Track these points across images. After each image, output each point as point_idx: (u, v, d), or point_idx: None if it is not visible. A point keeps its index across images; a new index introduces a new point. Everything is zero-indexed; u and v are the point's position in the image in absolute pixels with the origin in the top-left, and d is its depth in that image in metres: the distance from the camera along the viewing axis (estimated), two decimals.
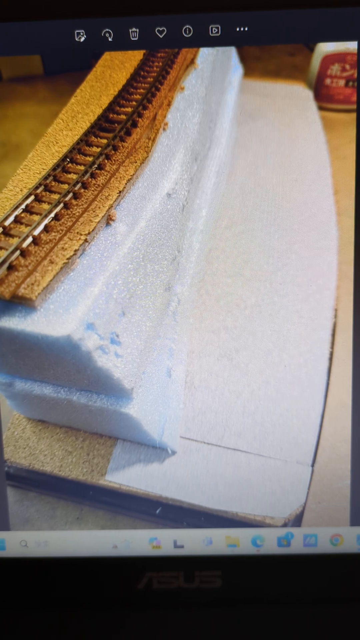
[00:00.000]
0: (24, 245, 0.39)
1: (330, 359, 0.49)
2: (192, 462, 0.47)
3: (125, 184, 0.43)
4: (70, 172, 0.43)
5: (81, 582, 0.45)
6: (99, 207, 0.42)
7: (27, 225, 0.40)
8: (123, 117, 0.46)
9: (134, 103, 0.47)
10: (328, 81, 0.51)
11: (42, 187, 0.42)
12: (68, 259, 0.39)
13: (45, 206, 0.41)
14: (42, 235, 0.39)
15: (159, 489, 0.46)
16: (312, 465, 0.46)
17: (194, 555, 0.45)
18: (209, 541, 0.45)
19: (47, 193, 0.42)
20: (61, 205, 0.41)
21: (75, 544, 0.46)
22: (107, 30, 0.40)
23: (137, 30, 0.40)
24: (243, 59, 0.48)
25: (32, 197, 0.41)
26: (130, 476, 0.47)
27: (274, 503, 0.46)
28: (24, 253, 0.38)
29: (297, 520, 0.46)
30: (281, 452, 0.47)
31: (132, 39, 0.40)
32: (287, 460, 0.46)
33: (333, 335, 0.50)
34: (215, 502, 0.46)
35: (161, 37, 0.40)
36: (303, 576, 0.45)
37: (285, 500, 0.46)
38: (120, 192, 0.43)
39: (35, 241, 0.39)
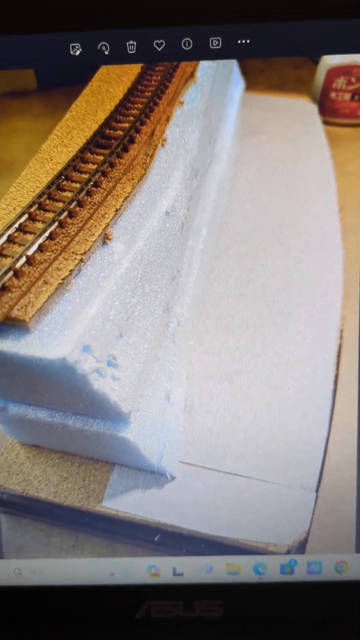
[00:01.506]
0: (18, 265, 0.38)
1: (336, 382, 0.48)
2: (192, 487, 0.46)
3: (123, 201, 0.42)
4: (65, 190, 0.42)
5: (77, 611, 0.44)
6: (95, 226, 0.41)
7: (20, 244, 0.39)
8: (120, 132, 0.45)
9: (132, 118, 0.46)
10: (333, 95, 0.50)
11: (36, 205, 0.41)
12: (63, 279, 0.38)
13: (40, 225, 0.40)
14: (36, 255, 0.38)
15: (157, 515, 0.45)
16: (317, 491, 0.45)
17: (193, 583, 0.44)
18: (209, 569, 0.44)
19: (41, 211, 0.41)
20: (56, 224, 0.40)
21: (71, 572, 0.45)
22: (103, 43, 0.39)
23: (135, 43, 0.39)
24: (245, 72, 0.47)
25: (26, 215, 0.40)
26: (128, 502, 0.46)
27: (277, 529, 0.44)
28: (17, 273, 0.37)
29: (301, 547, 0.44)
30: (284, 477, 0.45)
31: (130, 52, 0.39)
32: (291, 485, 0.45)
33: (338, 356, 0.49)
34: (215, 528, 0.45)
35: (159, 50, 0.39)
36: (307, 605, 0.44)
37: (289, 527, 0.44)
38: (117, 210, 0.42)
39: (29, 261, 0.38)
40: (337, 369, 0.48)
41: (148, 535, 0.45)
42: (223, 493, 0.45)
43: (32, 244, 0.39)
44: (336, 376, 0.48)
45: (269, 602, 0.44)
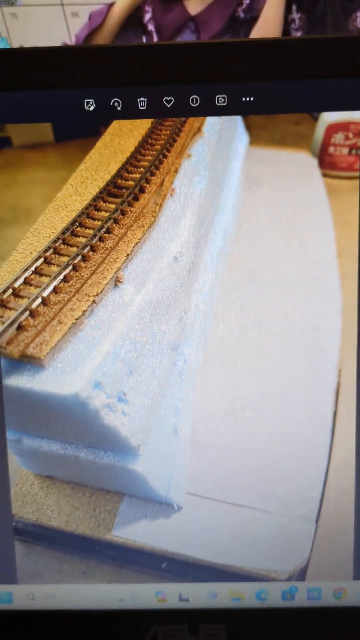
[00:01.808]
0: (33, 305, 0.36)
1: (334, 419, 0.46)
2: (197, 517, 0.43)
3: (133, 247, 0.41)
4: (79, 236, 0.41)
5: (88, 634, 0.42)
6: (107, 270, 0.39)
7: (36, 286, 0.37)
8: (131, 183, 0.44)
9: (142, 169, 0.45)
10: (332, 149, 0.49)
11: (52, 250, 0.40)
12: (76, 319, 0.36)
13: (54, 268, 0.39)
14: (51, 296, 0.37)
15: (164, 543, 0.43)
16: (317, 521, 0.43)
17: (199, 608, 0.42)
18: (213, 595, 0.42)
19: (56, 256, 0.39)
20: (70, 267, 0.38)
21: (81, 597, 0.42)
22: (115, 99, 0.37)
23: (145, 99, 0.37)
24: (249, 127, 0.46)
25: (42, 259, 0.39)
26: (137, 531, 0.43)
27: (279, 557, 0.42)
28: (33, 313, 0.36)
29: (302, 574, 0.42)
30: (286, 508, 0.43)
31: (141, 108, 0.37)
32: (292, 517, 0.43)
33: (337, 395, 0.47)
34: (220, 556, 0.42)
35: (169, 106, 0.37)
36: (307, 629, 0.41)
37: (290, 555, 0.42)
38: (128, 255, 0.40)
39: (45, 302, 0.37)
40: (336, 406, 0.46)
41: (155, 562, 0.43)
42: (227, 523, 0.43)
43: (48, 285, 0.37)
44: (334, 413, 0.46)
45: (270, 627, 0.41)
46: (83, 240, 0.40)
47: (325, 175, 0.51)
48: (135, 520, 0.44)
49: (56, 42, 0.86)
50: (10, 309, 0.37)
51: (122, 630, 0.42)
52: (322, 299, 0.50)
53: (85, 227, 0.41)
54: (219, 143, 0.51)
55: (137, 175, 0.45)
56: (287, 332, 0.50)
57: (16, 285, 0.38)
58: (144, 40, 0.87)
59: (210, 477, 0.45)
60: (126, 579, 0.43)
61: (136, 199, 0.43)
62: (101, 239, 0.41)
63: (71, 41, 0.87)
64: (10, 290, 0.37)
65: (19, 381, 0.35)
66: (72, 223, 0.42)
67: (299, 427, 0.46)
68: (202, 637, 0.41)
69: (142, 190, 0.44)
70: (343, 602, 0.41)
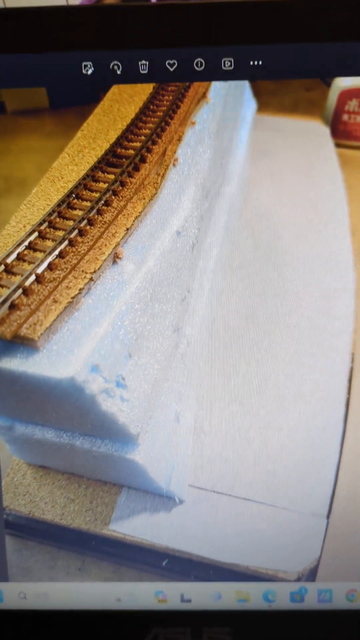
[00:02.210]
0: (27, 283, 0.37)
1: (347, 406, 0.47)
2: (200, 512, 0.45)
3: (133, 221, 0.42)
4: (75, 209, 0.42)
5: (82, 637, 0.43)
6: (106, 245, 0.40)
7: (30, 262, 0.38)
8: (131, 152, 0.45)
9: (143, 138, 0.46)
10: (345, 117, 0.50)
11: (46, 223, 0.41)
12: (72, 298, 0.37)
13: (50, 243, 0.40)
14: (45, 273, 0.38)
15: (165, 539, 0.44)
16: (328, 517, 0.44)
17: (202, 610, 0.43)
18: (217, 596, 0.43)
19: (52, 230, 0.40)
20: (66, 242, 0.40)
21: (76, 596, 0.43)
22: (115, 62, 0.38)
23: (147, 63, 0.38)
24: (257, 93, 0.47)
25: (36, 233, 0.40)
26: (136, 526, 0.44)
27: (287, 556, 0.43)
28: (26, 292, 0.37)
29: (312, 575, 0.43)
30: (295, 503, 0.44)
31: (142, 72, 0.38)
32: (301, 512, 0.44)
33: (350, 381, 0.48)
34: (225, 554, 0.43)
35: (172, 70, 0.38)
36: (317, 633, 0.42)
37: (299, 554, 0.43)
38: (127, 229, 0.41)
39: (39, 279, 0.38)
40: (349, 392, 0.47)
41: (156, 560, 0.44)
42: (232, 518, 0.44)
43: (42, 262, 0.38)
44: (347, 400, 0.47)
45: (278, 630, 0.42)
46: (80, 213, 0.41)
47: (338, 145, 0.52)
48: (134, 514, 0.45)
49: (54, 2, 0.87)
50: (1, 286, 0.37)
51: (120, 633, 0.42)
52: (334, 278, 0.51)
53: (82, 199, 0.42)
54: (225, 110, 0.52)
55: (138, 144, 0.46)
56: (297, 313, 0.51)
57: (8, 261, 0.38)
58: None
59: (214, 468, 0.46)
60: (124, 577, 0.44)
61: (137, 169, 0.44)
62: (99, 212, 0.42)
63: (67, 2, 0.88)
64: (2, 267, 0.38)
65: (11, 364, 0.36)
66: (69, 195, 0.42)
67: (310, 415, 0.47)
68: None
69: (143, 160, 0.45)
70: (356, 604, 0.42)
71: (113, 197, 0.43)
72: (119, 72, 0.39)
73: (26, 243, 0.39)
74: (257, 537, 0.44)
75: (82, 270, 0.39)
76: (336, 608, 0.42)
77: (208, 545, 0.44)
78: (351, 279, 0.51)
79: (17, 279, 0.37)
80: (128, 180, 0.44)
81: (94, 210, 0.42)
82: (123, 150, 0.45)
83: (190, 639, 0.42)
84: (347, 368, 0.48)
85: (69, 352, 0.36)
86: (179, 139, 0.48)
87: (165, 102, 0.48)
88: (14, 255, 0.39)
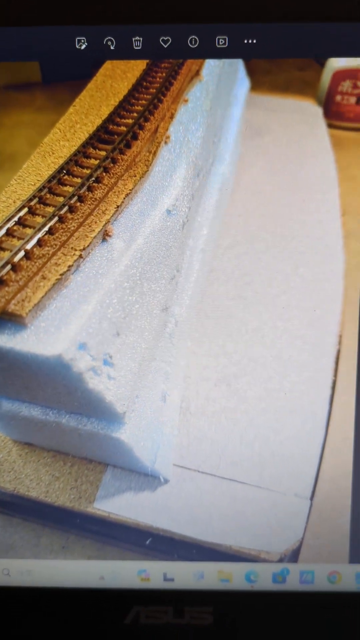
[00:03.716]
0: (16, 259, 0.37)
1: (333, 388, 0.48)
2: (185, 491, 0.45)
3: (124, 198, 0.42)
4: (66, 185, 0.42)
5: (65, 614, 0.44)
6: (95, 222, 0.40)
7: (19, 238, 0.39)
8: (123, 129, 0.45)
9: (135, 115, 0.46)
10: (338, 98, 0.50)
11: (37, 199, 0.41)
12: (61, 275, 0.37)
13: (39, 219, 0.40)
14: (34, 249, 0.38)
15: (149, 518, 0.45)
16: (311, 499, 0.45)
17: (184, 589, 0.44)
18: (200, 575, 0.44)
19: (42, 206, 0.41)
20: (56, 218, 0.40)
21: (60, 574, 0.44)
22: (109, 38, 0.39)
23: (141, 39, 0.39)
24: (251, 72, 0.48)
25: (26, 209, 0.40)
26: (120, 504, 0.45)
27: (270, 537, 0.44)
28: (15, 267, 0.37)
29: (294, 556, 0.44)
30: (279, 484, 0.45)
31: (135, 48, 0.39)
32: (285, 493, 0.45)
33: (336, 362, 0.49)
34: (208, 534, 0.44)
35: (165, 47, 0.39)
36: (298, 615, 0.43)
37: (282, 535, 0.44)
38: (118, 206, 0.41)
39: (28, 255, 0.38)
40: (335, 375, 0.48)
41: (139, 538, 0.45)
42: (217, 498, 0.45)
43: (31, 238, 0.38)
44: (334, 382, 0.48)
45: (260, 611, 0.43)
46: (70, 189, 0.42)
47: (330, 125, 0.53)
48: (119, 493, 0.46)
49: None
50: None
51: (102, 611, 0.43)
52: (323, 259, 0.52)
53: (73, 176, 0.43)
54: (219, 88, 0.52)
55: (130, 121, 0.46)
56: (286, 294, 0.51)
57: None
58: None
59: (199, 448, 0.47)
60: (107, 556, 0.45)
61: (128, 146, 0.45)
62: (90, 189, 0.42)
63: None
64: None
65: None
66: (59, 171, 0.43)
67: (296, 396, 0.48)
68: (187, 620, 0.43)
69: (134, 137, 0.45)
70: (337, 586, 0.44)
71: (104, 173, 0.43)
72: (112, 48, 0.39)
73: (16, 219, 0.40)
74: (240, 517, 0.45)
75: (72, 247, 0.39)
76: (317, 590, 0.44)
77: (191, 524, 0.45)
78: (340, 261, 0.52)
79: (6, 255, 0.38)
80: (119, 157, 0.44)
81: (85, 187, 0.42)
82: (115, 127, 0.46)
83: (172, 618, 0.43)
84: (334, 350, 0.49)
85: (57, 329, 0.36)
86: (172, 117, 0.48)
87: (158, 79, 0.48)
88: (3, 231, 0.39)
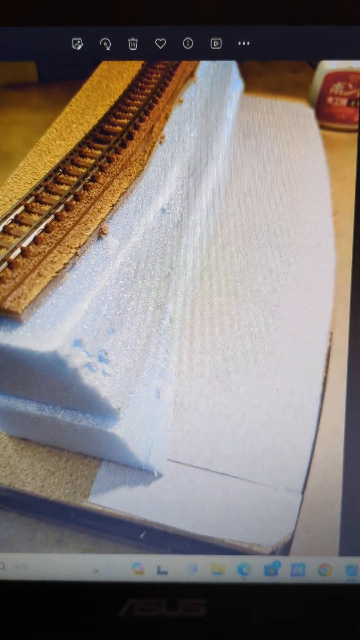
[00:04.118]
0: (12, 256, 0.38)
1: (324, 384, 0.48)
2: (178, 485, 0.46)
3: (119, 197, 0.42)
4: (62, 184, 0.42)
5: (60, 607, 0.44)
6: (91, 220, 0.41)
7: (15, 236, 0.39)
8: (119, 128, 0.46)
9: (131, 115, 0.47)
10: (330, 100, 0.51)
11: (33, 197, 0.41)
12: (57, 272, 0.38)
13: (36, 217, 0.40)
14: (31, 247, 0.38)
15: (143, 512, 0.45)
16: (302, 493, 0.45)
17: (177, 582, 0.44)
18: (193, 568, 0.44)
19: (38, 204, 0.41)
20: (52, 217, 0.40)
21: (55, 567, 0.44)
22: (105, 39, 0.39)
23: (136, 40, 0.39)
24: (244, 74, 0.48)
25: (22, 207, 0.40)
26: (114, 499, 0.46)
27: (262, 530, 0.44)
28: (11, 265, 0.37)
29: (285, 549, 0.44)
30: (271, 478, 0.46)
31: (131, 49, 0.39)
32: (277, 487, 0.45)
33: (327, 359, 0.49)
34: (201, 527, 0.44)
35: (161, 48, 0.39)
36: (290, 606, 0.44)
37: (274, 528, 0.45)
38: (113, 205, 0.42)
39: (24, 253, 0.38)
40: (326, 371, 0.48)
41: (133, 532, 0.45)
42: (210, 492, 0.45)
43: (28, 236, 0.39)
44: (325, 378, 0.48)
45: (252, 603, 0.44)
46: (66, 188, 0.42)
47: (322, 127, 0.53)
48: (114, 487, 0.46)
49: None
50: None
51: (97, 604, 0.44)
52: (315, 257, 0.53)
53: (69, 174, 0.43)
54: (213, 89, 0.53)
55: (126, 121, 0.46)
56: (278, 292, 0.52)
57: None
58: None
59: (193, 443, 0.47)
60: (102, 549, 0.45)
61: (124, 145, 0.45)
62: (85, 188, 0.42)
63: None
64: None
65: None
66: (56, 169, 0.43)
67: (287, 393, 0.48)
68: (180, 613, 0.43)
69: (130, 137, 0.45)
70: (328, 579, 0.44)
71: (100, 172, 0.43)
72: (108, 49, 0.39)
73: (12, 216, 0.40)
74: (233, 511, 0.45)
75: (67, 245, 0.39)
76: (308, 582, 0.44)
77: (185, 518, 0.45)
78: (331, 259, 0.52)
79: (2, 252, 0.38)
80: (115, 157, 0.44)
81: (81, 186, 0.42)
82: (110, 127, 0.46)
83: (166, 610, 0.43)
84: (325, 347, 0.50)
85: (53, 326, 0.36)
86: (166, 117, 0.48)
87: (153, 80, 0.48)
88: None
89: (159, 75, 0.48)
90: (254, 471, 0.46)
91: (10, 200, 0.41)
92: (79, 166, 0.43)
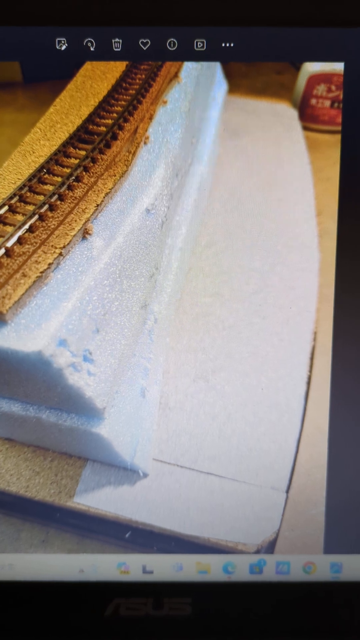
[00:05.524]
0: None
1: (308, 383, 0.48)
2: (164, 485, 0.45)
3: (104, 197, 0.42)
4: (46, 184, 0.42)
5: (46, 607, 0.43)
6: (76, 221, 0.40)
7: None
8: (103, 129, 0.45)
9: (115, 115, 0.46)
10: (313, 101, 0.51)
11: (17, 197, 0.40)
12: (41, 272, 0.37)
13: (20, 217, 0.39)
14: (15, 247, 0.38)
15: (129, 512, 0.44)
16: (287, 492, 0.45)
17: (163, 581, 0.44)
18: (179, 567, 0.43)
19: (22, 204, 0.40)
20: (36, 216, 0.39)
21: (40, 567, 0.44)
22: (89, 39, 0.38)
23: (120, 41, 0.38)
24: (229, 75, 0.48)
25: (6, 207, 0.40)
26: (100, 498, 0.45)
27: (247, 529, 0.44)
28: None
29: (270, 547, 0.44)
30: (256, 477, 0.45)
31: (115, 49, 0.39)
32: (262, 486, 0.45)
33: (312, 358, 0.49)
34: (186, 527, 0.44)
35: (145, 49, 0.39)
36: (275, 605, 0.43)
37: (259, 527, 0.44)
38: (97, 205, 0.41)
39: (8, 253, 0.37)
40: (310, 371, 0.48)
41: (119, 532, 0.45)
42: (195, 492, 0.45)
43: (12, 236, 0.38)
44: (309, 378, 0.48)
45: (237, 602, 0.43)
46: (51, 188, 0.41)
47: (305, 128, 0.53)
48: (99, 487, 0.45)
49: None
50: None
51: (82, 603, 0.43)
52: (299, 257, 0.52)
53: (54, 175, 0.42)
54: (197, 90, 0.52)
55: (110, 121, 0.46)
56: (262, 292, 0.52)
57: None
58: None
59: (178, 442, 0.46)
60: (87, 549, 0.45)
61: (108, 146, 0.44)
62: (70, 188, 0.42)
63: None
64: None
65: None
66: (40, 169, 0.43)
67: (272, 392, 0.48)
68: (166, 611, 0.43)
69: (114, 137, 0.45)
70: (312, 576, 0.44)
71: (84, 173, 0.43)
72: (92, 49, 0.39)
73: None
74: (218, 510, 0.44)
75: (52, 245, 0.38)
76: (293, 580, 0.44)
77: (170, 517, 0.44)
78: (315, 259, 0.52)
79: None
80: (99, 157, 0.44)
81: (65, 186, 0.42)
82: (95, 127, 0.45)
83: (152, 610, 0.43)
84: (310, 346, 0.49)
85: (37, 326, 0.36)
86: (151, 118, 0.48)
87: (137, 81, 0.48)
88: None
89: (143, 76, 0.48)
90: (239, 470, 0.45)
91: None
92: (63, 166, 0.43)
